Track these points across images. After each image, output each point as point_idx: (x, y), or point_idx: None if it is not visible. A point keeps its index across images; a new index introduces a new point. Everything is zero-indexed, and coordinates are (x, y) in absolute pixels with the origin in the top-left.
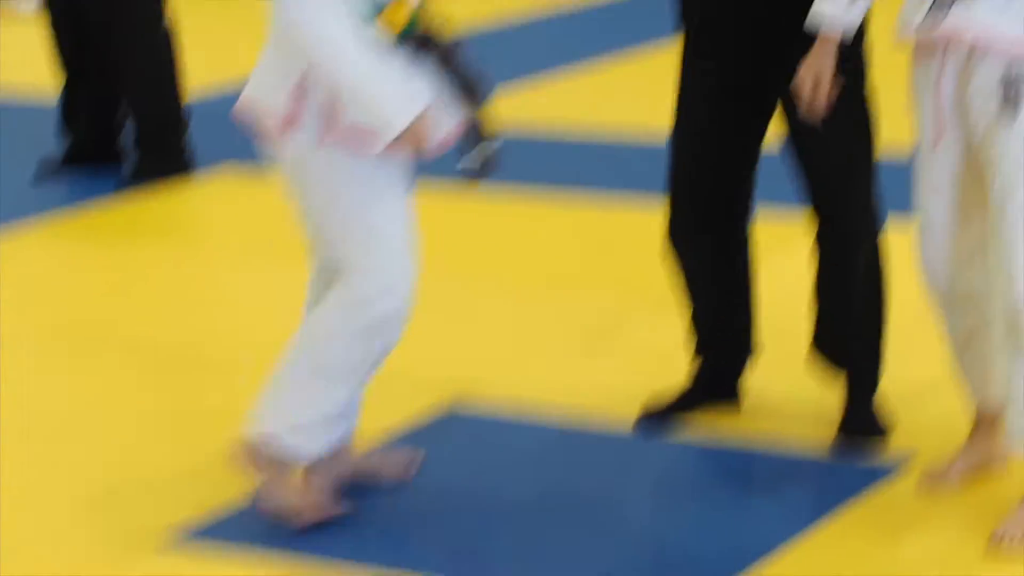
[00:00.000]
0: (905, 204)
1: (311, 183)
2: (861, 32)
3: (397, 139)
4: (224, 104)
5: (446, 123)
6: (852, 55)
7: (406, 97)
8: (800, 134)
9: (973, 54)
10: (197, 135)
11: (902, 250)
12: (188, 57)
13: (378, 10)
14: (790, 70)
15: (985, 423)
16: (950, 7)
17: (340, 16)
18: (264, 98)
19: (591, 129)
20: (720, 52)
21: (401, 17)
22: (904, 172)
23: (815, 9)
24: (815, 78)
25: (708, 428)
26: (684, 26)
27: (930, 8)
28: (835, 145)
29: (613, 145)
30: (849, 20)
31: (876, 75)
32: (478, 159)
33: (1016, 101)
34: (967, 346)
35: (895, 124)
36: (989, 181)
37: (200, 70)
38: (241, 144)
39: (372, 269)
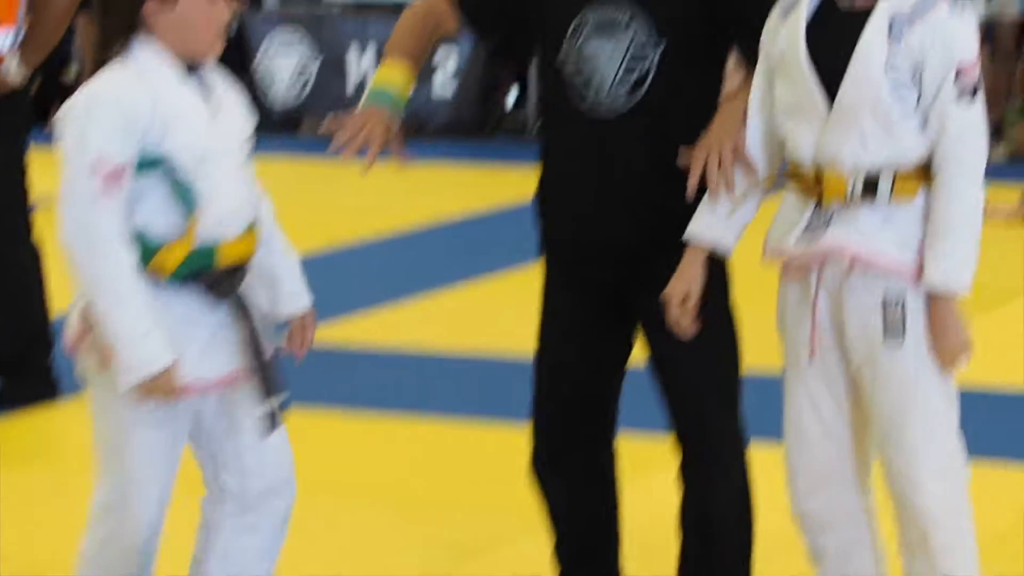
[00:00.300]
0: (771, 425)
1: (91, 399)
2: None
3: (139, 385)
4: None
5: (217, 367)
6: (716, 271)
7: (154, 345)
8: (662, 354)
9: (850, 273)
10: (62, 356)
11: (769, 472)
12: (54, 275)
13: (153, 249)
14: (652, 290)
15: None
16: (827, 225)
17: (110, 247)
18: (69, 314)
19: (454, 349)
20: (581, 276)
21: (174, 259)
22: (768, 391)
23: (692, 223)
24: (684, 293)
25: None
26: (545, 249)
27: (807, 226)
28: (697, 365)
29: (478, 364)
30: (723, 235)
31: (738, 292)
32: (265, 409)
33: (898, 323)
34: (842, 567)
35: (757, 342)
36: (872, 399)
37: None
38: None
39: (111, 483)
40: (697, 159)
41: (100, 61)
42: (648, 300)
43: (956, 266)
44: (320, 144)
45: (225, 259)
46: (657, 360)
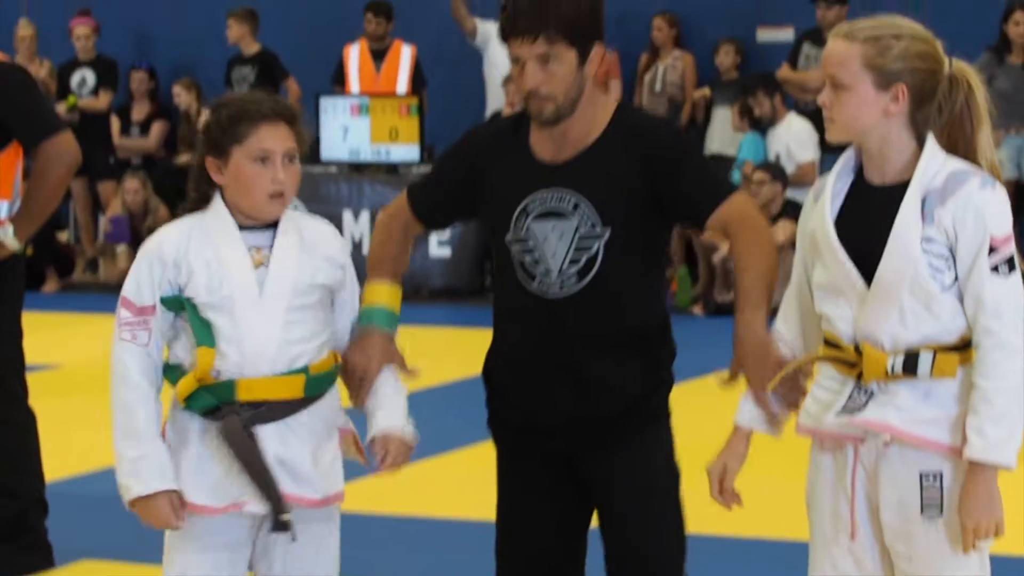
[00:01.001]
0: None
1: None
2: (668, 411)
3: (135, 507)
4: (85, 489)
5: (236, 492)
6: (666, 431)
7: (145, 471)
8: (611, 514)
9: (888, 447)
10: (55, 525)
11: None
12: (47, 440)
13: (177, 375)
14: (601, 452)
15: None
16: (867, 401)
17: (125, 378)
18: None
19: (444, 515)
20: (532, 447)
21: (186, 388)
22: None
23: (739, 413)
24: (722, 468)
25: None
26: (495, 422)
27: (847, 399)
28: (647, 524)
29: (467, 529)
30: (770, 425)
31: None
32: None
33: (936, 499)
34: None
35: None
36: (906, 574)
37: (60, 455)
38: (101, 536)
39: None
40: (735, 376)
41: (186, 211)
42: (597, 461)
43: (999, 440)
44: None
45: (246, 394)
46: (606, 519)
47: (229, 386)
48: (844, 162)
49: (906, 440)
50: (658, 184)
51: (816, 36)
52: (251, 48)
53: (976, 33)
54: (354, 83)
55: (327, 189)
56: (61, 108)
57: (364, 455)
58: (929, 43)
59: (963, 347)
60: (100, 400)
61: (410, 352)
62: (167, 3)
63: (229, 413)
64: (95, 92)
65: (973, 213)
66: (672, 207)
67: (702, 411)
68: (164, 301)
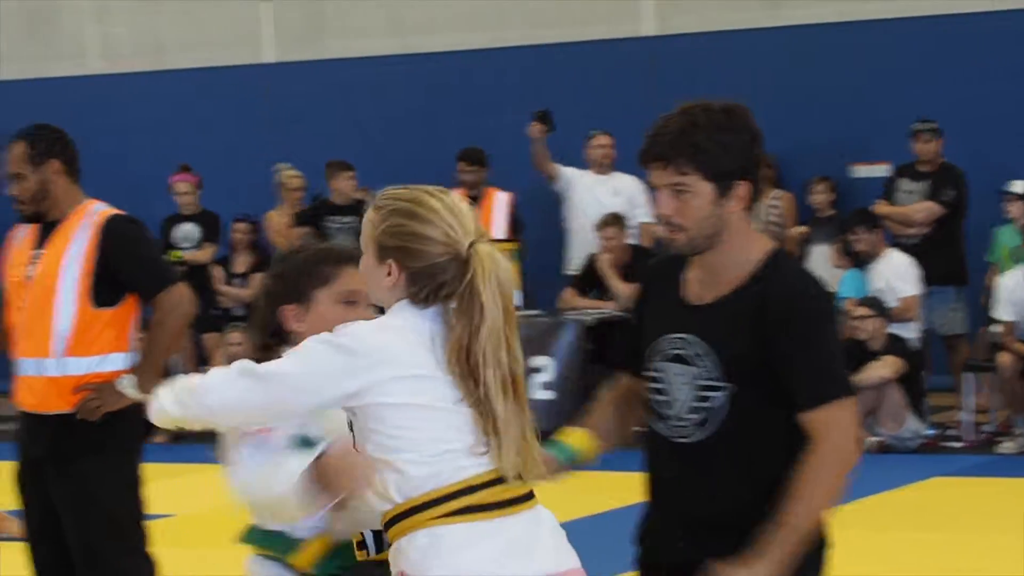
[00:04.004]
0: None
1: None
2: None
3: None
4: None
5: None
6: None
7: None
8: None
9: None
10: None
11: None
12: None
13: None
14: None
15: None
16: None
17: None
18: None
19: None
20: None
21: (307, 557)
22: None
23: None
24: None
25: None
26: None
27: None
28: None
29: None
30: None
31: None
32: None
33: None
34: None
35: None
36: None
37: None
38: None
39: None
40: None
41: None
42: None
43: None
44: None
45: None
46: None
47: (349, 547)
48: None
49: None
50: (777, 349)
51: (911, 170)
52: (349, 197)
53: None
54: None
55: None
56: None
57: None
58: (424, 221)
59: None
60: (214, 550)
61: None
62: (266, 156)
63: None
64: (198, 245)
65: None
66: (780, 376)
67: None
68: None
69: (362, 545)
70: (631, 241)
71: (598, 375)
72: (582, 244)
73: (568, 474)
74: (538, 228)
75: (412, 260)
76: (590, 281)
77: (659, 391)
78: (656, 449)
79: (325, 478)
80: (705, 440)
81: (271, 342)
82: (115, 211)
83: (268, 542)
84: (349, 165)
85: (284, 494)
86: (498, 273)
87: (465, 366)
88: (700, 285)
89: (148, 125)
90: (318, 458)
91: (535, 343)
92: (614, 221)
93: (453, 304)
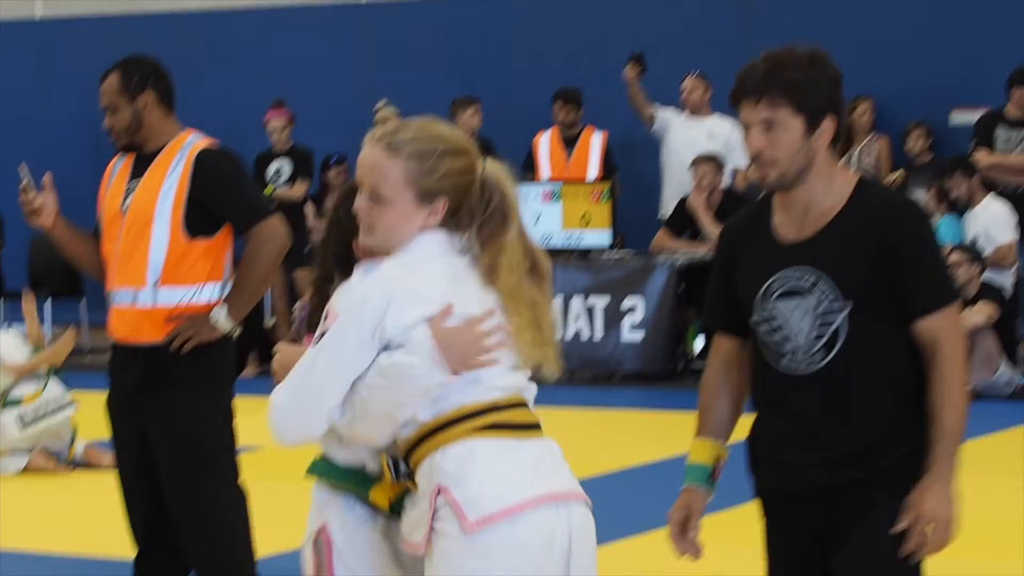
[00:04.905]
0: None
1: None
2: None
3: None
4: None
5: None
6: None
7: None
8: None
9: None
10: None
11: None
12: (259, 518)
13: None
14: (845, 522)
15: None
16: None
17: None
18: (304, 547)
19: None
20: (784, 516)
21: (385, 494)
22: None
23: None
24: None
25: None
26: (757, 494)
27: None
28: None
29: None
30: None
31: None
32: None
33: None
34: None
35: None
36: None
37: (270, 531)
38: None
39: None
40: (904, 525)
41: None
42: (842, 532)
43: None
44: None
45: None
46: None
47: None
48: None
49: None
50: (888, 266)
51: (1005, 118)
52: (476, 133)
53: None
54: (544, 170)
55: None
56: None
57: None
58: (467, 155)
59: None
60: (297, 483)
61: (603, 436)
62: (361, 92)
63: None
64: (291, 182)
65: None
66: (892, 293)
67: None
68: None
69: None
70: (725, 184)
71: (689, 317)
72: (676, 186)
73: (711, 495)
74: (632, 169)
75: (462, 195)
76: (682, 223)
77: (774, 330)
78: (775, 387)
79: (446, 348)
80: (829, 366)
81: (335, 273)
82: (210, 142)
83: (343, 477)
84: (474, 99)
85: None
86: (508, 181)
87: (494, 277)
88: (793, 224)
89: (246, 62)
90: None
91: (627, 284)
92: (708, 159)
93: (478, 221)
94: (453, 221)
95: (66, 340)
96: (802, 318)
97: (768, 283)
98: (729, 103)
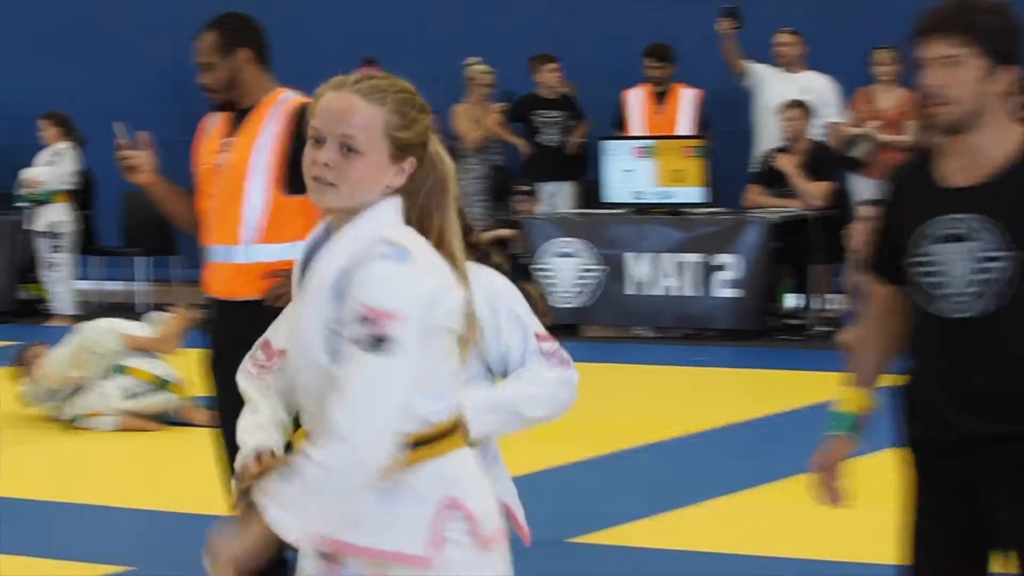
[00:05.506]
0: None
1: None
2: None
3: None
4: None
5: None
6: None
7: None
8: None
9: None
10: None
11: None
12: None
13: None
14: (1000, 478)
15: None
16: None
17: None
18: None
19: (742, 552)
20: (935, 468)
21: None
22: None
23: None
24: None
25: None
26: (906, 444)
27: None
28: None
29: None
30: None
31: None
32: None
33: None
34: None
35: None
36: None
37: None
38: None
39: None
40: None
41: None
42: (996, 487)
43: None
44: (600, 347)
45: None
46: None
47: None
48: None
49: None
50: None
51: None
52: (555, 90)
53: None
54: (635, 127)
55: (609, 231)
56: None
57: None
58: (431, 115)
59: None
60: None
61: (694, 393)
62: (448, 49)
63: None
64: None
65: (356, 283)
66: None
67: None
68: None
69: None
70: (816, 136)
71: (782, 274)
72: (769, 141)
73: (855, 444)
74: (725, 126)
75: (422, 157)
76: (770, 178)
77: (931, 273)
78: (930, 331)
79: None
80: (987, 310)
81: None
82: (306, 98)
83: None
84: (553, 57)
85: None
86: (443, 148)
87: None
88: (960, 170)
89: (334, 18)
90: None
91: (720, 240)
92: (797, 104)
93: (426, 188)
94: (405, 186)
95: (177, 323)
96: (960, 262)
97: (929, 225)
98: (913, 36)
